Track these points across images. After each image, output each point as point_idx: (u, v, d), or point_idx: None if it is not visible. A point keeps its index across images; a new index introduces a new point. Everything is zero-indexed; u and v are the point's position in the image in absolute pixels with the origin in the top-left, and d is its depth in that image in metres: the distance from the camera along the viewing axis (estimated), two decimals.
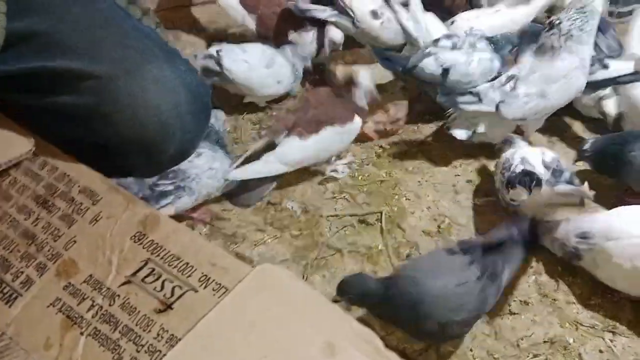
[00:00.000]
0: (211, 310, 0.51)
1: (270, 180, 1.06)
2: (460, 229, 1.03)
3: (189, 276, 0.54)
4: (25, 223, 0.60)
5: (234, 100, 1.24)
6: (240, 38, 1.37)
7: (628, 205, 0.93)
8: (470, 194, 1.10)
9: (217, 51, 1.16)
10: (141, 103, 0.74)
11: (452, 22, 1.30)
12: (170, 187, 0.92)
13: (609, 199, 1.00)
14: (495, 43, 1.15)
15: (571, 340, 0.88)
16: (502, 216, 1.03)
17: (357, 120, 1.05)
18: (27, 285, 0.56)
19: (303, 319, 0.52)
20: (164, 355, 0.50)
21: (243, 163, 1.01)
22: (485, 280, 0.79)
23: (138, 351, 0.50)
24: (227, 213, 1.04)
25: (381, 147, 1.18)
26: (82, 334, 0.52)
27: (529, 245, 0.88)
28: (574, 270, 0.95)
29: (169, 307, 0.52)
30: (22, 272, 0.57)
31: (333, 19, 1.25)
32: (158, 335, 0.51)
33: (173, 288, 0.54)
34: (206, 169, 0.95)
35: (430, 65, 1.12)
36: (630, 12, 1.48)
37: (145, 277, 0.55)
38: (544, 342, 0.88)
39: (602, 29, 1.16)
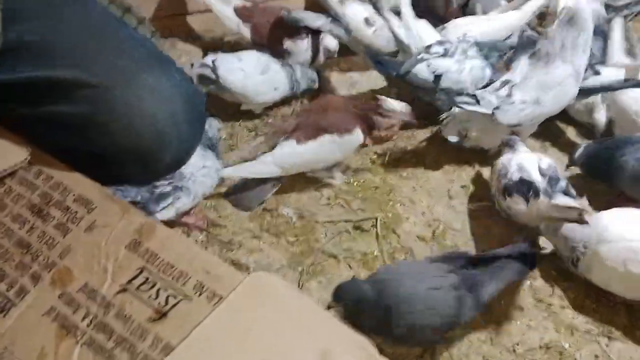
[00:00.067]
0: (205, 319, 0.51)
1: (271, 184, 1.06)
2: (455, 234, 1.04)
3: (184, 284, 0.54)
4: (20, 232, 0.60)
5: (231, 107, 1.25)
6: (235, 46, 1.38)
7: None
8: (465, 199, 1.11)
9: (213, 61, 1.16)
10: (137, 112, 0.74)
11: (443, 28, 1.31)
12: (169, 188, 0.92)
13: (601, 203, 1.01)
14: (482, 50, 1.16)
15: (567, 346, 0.88)
16: (497, 221, 1.03)
17: (357, 132, 1.03)
18: (21, 295, 0.56)
19: (298, 326, 0.52)
20: None
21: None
22: (463, 290, 0.79)
23: None
24: (223, 220, 1.04)
25: (376, 153, 1.19)
26: (77, 343, 0.52)
27: (526, 267, 0.88)
28: (569, 275, 0.96)
29: (163, 315, 0.52)
30: (16, 282, 0.57)
31: (326, 28, 1.25)
32: (153, 344, 0.51)
33: (167, 296, 0.54)
34: (200, 167, 0.96)
35: (422, 72, 1.13)
36: (626, 6, 1.50)
37: (140, 285, 0.55)
38: (540, 347, 0.88)
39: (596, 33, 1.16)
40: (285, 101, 1.27)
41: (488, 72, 1.16)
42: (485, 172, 1.15)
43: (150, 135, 0.76)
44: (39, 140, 0.72)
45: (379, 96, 1.05)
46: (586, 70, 1.10)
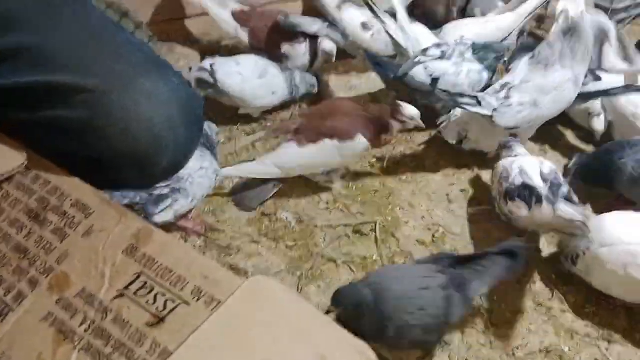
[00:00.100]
0: (203, 323, 0.51)
1: (272, 184, 1.06)
2: (454, 238, 1.04)
3: (182, 289, 0.54)
4: (17, 237, 0.60)
5: (229, 111, 1.25)
6: (233, 50, 1.38)
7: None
8: (464, 203, 1.10)
9: (211, 65, 1.16)
10: (134, 116, 0.74)
11: (441, 30, 1.31)
12: (167, 190, 0.92)
13: (600, 206, 1.01)
14: (476, 52, 1.16)
15: (567, 349, 0.88)
16: (497, 224, 1.03)
17: (360, 139, 1.02)
18: (19, 300, 0.56)
19: (296, 331, 0.51)
20: None
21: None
22: (452, 290, 0.79)
23: None
24: (222, 224, 1.04)
25: (375, 157, 1.19)
26: (74, 348, 0.52)
27: (515, 264, 0.87)
28: (569, 279, 0.95)
29: (161, 320, 0.52)
30: (14, 287, 0.57)
31: (323, 33, 1.25)
32: (150, 349, 0.51)
33: (165, 301, 0.53)
34: (197, 168, 0.96)
35: (419, 74, 1.13)
36: (625, 9, 1.50)
37: (138, 290, 0.55)
38: (540, 351, 0.88)
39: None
40: (284, 105, 1.27)
41: (485, 75, 1.16)
42: (485, 175, 1.15)
43: (147, 140, 0.76)
44: (37, 145, 0.72)
45: (398, 102, 1.04)
46: (586, 76, 1.10)
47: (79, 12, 0.79)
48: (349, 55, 1.34)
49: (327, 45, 1.27)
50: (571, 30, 1.03)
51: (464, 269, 0.84)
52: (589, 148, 1.21)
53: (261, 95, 1.21)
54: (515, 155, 1.01)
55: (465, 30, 1.27)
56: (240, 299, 0.53)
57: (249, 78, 1.18)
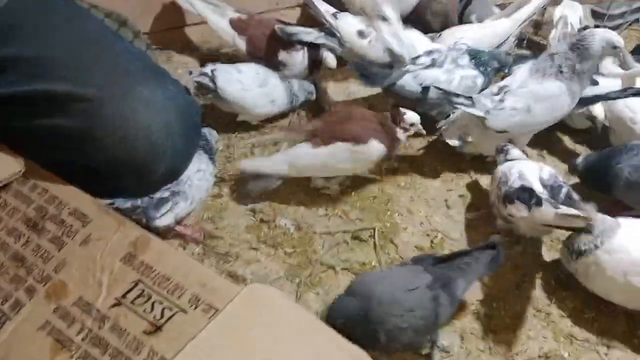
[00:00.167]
0: (201, 331, 0.51)
1: (275, 178, 1.07)
2: (453, 244, 1.04)
3: (179, 297, 0.54)
4: (15, 246, 0.60)
5: (227, 118, 1.25)
6: (232, 58, 1.39)
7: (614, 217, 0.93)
8: (463, 209, 1.10)
9: (212, 70, 1.17)
10: (132, 124, 0.75)
11: (439, 36, 1.32)
12: (167, 194, 0.92)
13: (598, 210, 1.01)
14: (476, 57, 1.16)
15: (566, 355, 0.88)
16: (495, 229, 1.03)
17: (372, 142, 1.02)
18: (16, 309, 0.56)
19: (292, 337, 0.51)
20: None
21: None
22: (438, 289, 0.80)
23: None
24: (220, 232, 1.04)
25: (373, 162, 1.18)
26: (71, 357, 0.52)
27: (496, 259, 0.88)
28: (568, 285, 0.95)
29: (158, 328, 0.52)
30: (11, 295, 0.57)
31: (320, 41, 1.26)
32: (148, 357, 0.51)
33: (163, 309, 0.54)
34: (195, 171, 0.96)
35: (409, 83, 1.13)
36: (621, 15, 1.51)
37: (135, 298, 0.55)
38: (539, 356, 0.88)
39: None
40: (283, 113, 1.28)
41: (480, 81, 1.16)
42: (483, 180, 1.15)
43: (145, 148, 0.76)
44: (36, 155, 0.73)
45: (400, 108, 1.04)
46: None
47: (77, 22, 0.80)
48: (347, 63, 1.34)
49: (329, 58, 1.28)
50: (580, 49, 1.02)
51: (447, 268, 0.84)
52: (587, 153, 1.21)
53: (261, 104, 1.21)
54: (513, 159, 1.01)
55: (462, 36, 1.28)
56: (239, 306, 0.53)
57: (249, 86, 1.19)
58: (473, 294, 0.94)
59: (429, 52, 1.18)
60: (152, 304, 0.54)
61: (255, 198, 1.08)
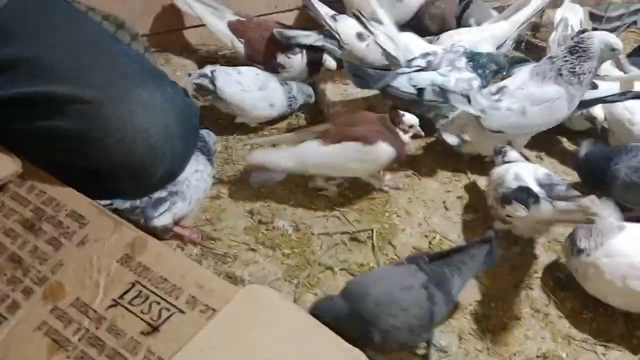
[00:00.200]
0: (198, 332, 0.51)
1: (279, 172, 1.07)
2: (451, 245, 1.03)
3: (177, 298, 0.55)
4: (12, 247, 0.61)
5: (226, 120, 1.25)
6: (231, 60, 1.39)
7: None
8: (461, 210, 1.11)
9: (212, 71, 1.17)
10: (130, 127, 0.75)
11: (438, 39, 1.33)
12: (165, 193, 0.92)
13: None
14: (474, 59, 1.17)
15: (564, 355, 0.88)
16: (493, 231, 1.03)
17: (380, 144, 1.03)
18: (13, 310, 0.56)
19: (291, 338, 0.52)
20: None
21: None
22: (434, 288, 0.79)
23: None
24: (218, 233, 1.04)
25: None
26: (68, 357, 0.52)
27: (491, 255, 0.87)
28: (566, 285, 0.95)
29: (155, 329, 0.52)
30: (8, 296, 0.57)
31: (319, 43, 1.26)
32: (145, 357, 0.51)
33: (160, 310, 0.54)
34: (192, 171, 0.96)
35: (404, 85, 1.13)
36: (619, 17, 1.51)
37: (133, 299, 0.55)
38: (537, 357, 0.87)
39: None
40: (281, 115, 1.28)
41: (476, 83, 1.16)
42: (481, 182, 1.15)
43: (143, 150, 0.76)
44: (35, 156, 0.73)
45: (398, 110, 1.05)
46: None
47: (75, 25, 0.80)
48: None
49: (329, 60, 1.28)
50: (579, 51, 1.02)
51: (442, 266, 0.83)
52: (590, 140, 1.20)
53: (261, 106, 1.21)
54: (509, 162, 1.01)
55: (460, 39, 1.28)
56: (236, 307, 0.53)
57: (249, 87, 1.19)
58: (471, 294, 0.94)
59: (425, 55, 1.18)
60: (150, 305, 0.54)
61: (256, 189, 1.09)
